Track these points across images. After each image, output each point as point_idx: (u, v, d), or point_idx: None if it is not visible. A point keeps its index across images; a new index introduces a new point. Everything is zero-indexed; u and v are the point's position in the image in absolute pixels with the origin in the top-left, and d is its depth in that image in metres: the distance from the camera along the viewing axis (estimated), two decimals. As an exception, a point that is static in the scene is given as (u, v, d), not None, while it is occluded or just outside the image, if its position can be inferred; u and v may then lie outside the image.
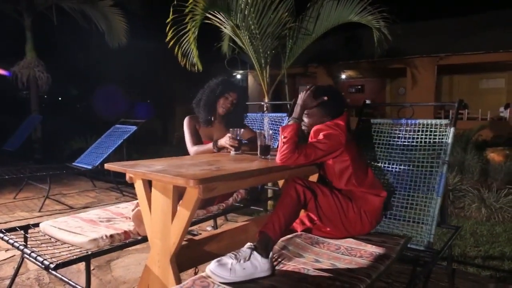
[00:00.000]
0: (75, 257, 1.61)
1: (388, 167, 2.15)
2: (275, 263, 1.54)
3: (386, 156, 2.18)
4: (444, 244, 1.90)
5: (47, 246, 1.78)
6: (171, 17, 3.04)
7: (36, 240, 1.86)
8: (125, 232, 1.84)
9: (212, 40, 4.98)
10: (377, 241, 1.79)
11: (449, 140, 2.01)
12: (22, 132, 6.22)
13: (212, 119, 2.44)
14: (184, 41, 3.26)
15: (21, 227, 1.98)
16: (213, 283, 1.33)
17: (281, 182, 2.13)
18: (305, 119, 1.93)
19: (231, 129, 2.13)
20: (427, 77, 11.20)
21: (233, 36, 4.44)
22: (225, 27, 4.31)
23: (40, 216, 3.51)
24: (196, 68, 3.45)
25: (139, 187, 1.67)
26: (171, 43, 3.17)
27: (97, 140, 4.81)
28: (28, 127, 6.34)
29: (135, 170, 1.54)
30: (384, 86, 18.02)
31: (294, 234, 1.85)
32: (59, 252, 1.68)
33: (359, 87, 19.23)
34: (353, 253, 1.66)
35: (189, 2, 3.03)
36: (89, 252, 1.66)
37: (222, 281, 1.34)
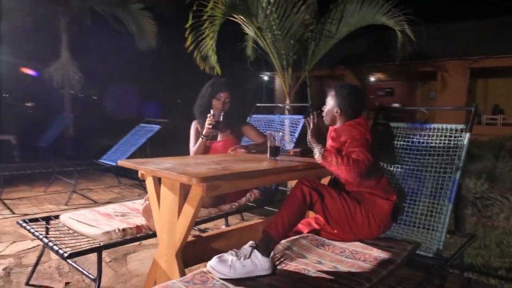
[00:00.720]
0: (87, 247, 1.69)
1: (402, 171, 2.12)
2: (277, 262, 1.56)
3: (400, 160, 2.15)
4: (455, 252, 1.85)
5: (64, 237, 1.88)
6: (190, 22, 3.12)
7: (55, 231, 1.97)
8: (137, 226, 1.92)
9: (237, 39, 5.04)
10: (384, 246, 1.77)
11: (464, 146, 1.95)
12: (54, 130, 6.53)
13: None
14: (203, 46, 3.34)
15: (43, 218, 2.11)
16: (212, 278, 1.37)
17: (293, 183, 2.16)
18: (324, 113, 1.97)
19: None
20: (459, 81, 10.81)
21: (255, 38, 4.49)
22: (248, 27, 4.37)
23: (66, 209, 3.69)
24: (214, 71, 3.53)
25: (149, 183, 1.74)
26: (190, 47, 3.26)
27: (123, 138, 4.98)
28: (60, 125, 6.64)
29: (145, 167, 1.60)
30: (415, 89, 17.54)
31: (300, 235, 1.86)
32: (74, 243, 1.78)
33: (389, 90, 18.82)
34: (357, 256, 1.65)
35: (208, 7, 3.10)
36: (101, 244, 1.74)
37: (222, 277, 1.38)
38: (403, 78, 16.86)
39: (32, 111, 11.50)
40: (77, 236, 1.90)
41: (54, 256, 2.50)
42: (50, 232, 1.98)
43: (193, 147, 2.47)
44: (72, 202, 3.98)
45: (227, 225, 2.88)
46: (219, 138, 2.49)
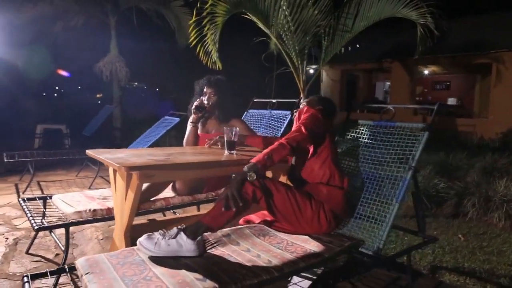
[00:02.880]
0: (56, 223, 1.96)
1: (361, 169, 2.13)
2: (209, 247, 1.69)
3: (361, 158, 2.16)
4: (398, 252, 1.85)
5: (49, 214, 2.18)
6: (194, 19, 3.30)
7: (46, 209, 2.29)
8: (108, 208, 2.15)
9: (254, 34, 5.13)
10: (325, 240, 1.82)
11: (420, 145, 1.92)
12: (97, 120, 7.16)
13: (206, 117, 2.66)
14: (206, 41, 3.51)
15: (40, 198, 2.44)
16: (137, 254, 1.55)
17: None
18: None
19: (225, 128, 2.29)
20: (516, 74, 9.89)
21: (268, 33, 4.56)
22: (261, 24, 4.45)
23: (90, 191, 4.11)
24: (217, 66, 3.68)
25: (110, 171, 1.96)
26: (194, 42, 3.44)
27: (148, 129, 5.35)
28: (103, 116, 7.25)
29: (98, 156, 1.82)
30: (474, 83, 16.26)
31: (247, 225, 1.97)
32: (53, 219, 2.06)
33: (447, 83, 17.64)
34: (289, 248, 1.73)
35: (207, 4, 3.25)
36: (69, 221, 2.00)
37: (147, 253, 1.54)
38: (460, 71, 15.70)
39: (84, 103, 12.61)
40: (59, 213, 2.18)
41: (57, 231, 2.86)
42: (44, 210, 2.31)
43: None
44: (95, 186, 4.42)
45: (198, 211, 3.05)
46: (211, 131, 2.66)
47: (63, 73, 10.87)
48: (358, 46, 14.86)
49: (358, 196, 2.06)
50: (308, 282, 1.94)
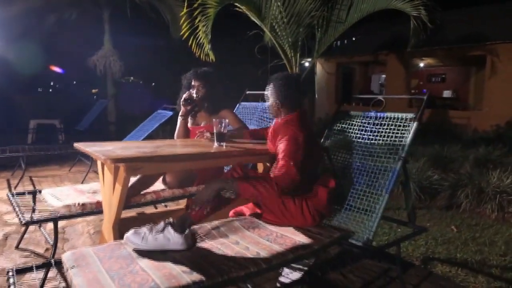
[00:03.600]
0: (44, 217, 1.94)
1: (350, 160, 2.12)
2: (198, 240, 1.69)
3: (351, 149, 2.15)
4: (388, 243, 1.84)
5: (38, 208, 2.16)
6: (185, 10, 3.25)
7: (36, 203, 2.26)
8: (98, 202, 2.13)
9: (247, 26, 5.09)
10: (314, 232, 1.82)
11: (409, 136, 1.91)
12: (91, 115, 7.11)
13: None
14: (199, 34, 3.47)
15: (30, 192, 2.41)
16: (124, 248, 1.53)
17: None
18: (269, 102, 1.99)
19: (214, 120, 2.27)
20: (510, 67, 9.89)
21: (260, 25, 4.52)
22: (252, 16, 4.40)
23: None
24: (210, 58, 3.65)
25: (98, 164, 1.94)
26: (186, 34, 3.40)
27: (142, 123, 5.32)
28: (97, 110, 7.19)
29: (86, 149, 1.80)
30: (469, 75, 16.27)
31: (237, 218, 1.96)
32: (41, 213, 2.04)
33: (443, 76, 17.64)
34: (278, 240, 1.72)
35: (198, -5, 3.20)
36: (58, 215, 1.98)
37: (134, 247, 1.53)
38: (455, 63, 15.71)
39: (78, 97, 12.53)
40: (48, 207, 2.16)
41: (48, 226, 2.84)
42: (34, 204, 2.28)
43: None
44: (88, 181, 4.39)
45: None
46: (201, 124, 2.64)
47: (56, 69, 10.78)
48: (354, 39, 14.80)
49: (347, 187, 2.06)
50: (299, 274, 1.94)
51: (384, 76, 16.88)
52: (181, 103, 2.48)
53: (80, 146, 1.90)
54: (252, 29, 4.80)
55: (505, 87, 9.91)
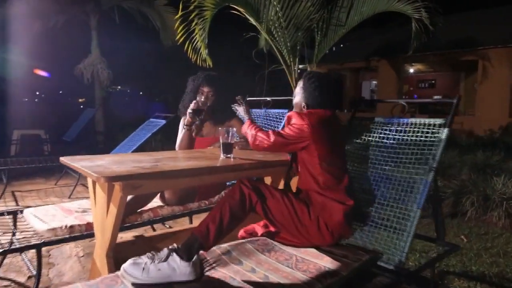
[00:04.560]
0: (25, 244, 1.67)
1: (372, 171, 1.91)
2: (207, 268, 1.45)
3: (371, 159, 1.94)
4: (423, 265, 1.63)
5: (19, 231, 1.89)
6: (180, 13, 3.04)
7: (17, 225, 1.99)
8: (88, 223, 1.87)
9: (243, 31, 4.90)
10: (338, 254, 1.60)
11: (441, 143, 1.72)
12: (78, 124, 6.79)
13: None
14: (195, 37, 3.25)
15: (10, 212, 2.14)
16: (122, 282, 1.29)
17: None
18: (293, 100, 1.85)
19: (220, 129, 2.04)
20: (502, 71, 9.92)
21: (258, 28, 4.33)
22: (250, 18, 4.21)
23: (69, 202, 3.79)
24: (207, 63, 3.44)
25: (89, 182, 1.69)
26: (181, 39, 3.18)
27: (133, 133, 5.05)
28: (84, 119, 6.89)
29: (73, 164, 1.55)
30: (459, 81, 16.40)
31: (249, 239, 1.73)
32: (22, 238, 1.78)
33: (433, 82, 17.75)
34: (300, 266, 1.50)
35: (194, -3, 3.00)
36: (41, 241, 1.72)
37: (134, 281, 1.29)
38: (445, 69, 15.82)
39: (64, 107, 12.16)
40: (31, 231, 1.90)
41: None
42: (14, 227, 2.01)
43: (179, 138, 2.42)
44: (76, 195, 4.10)
45: (191, 223, 2.80)
46: (209, 135, 2.40)
47: (42, 73, 10.41)
48: (342, 45, 14.78)
49: (369, 201, 1.85)
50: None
51: (374, 82, 16.92)
52: (188, 114, 2.22)
53: (66, 161, 1.65)
54: (247, 33, 4.61)
55: (497, 92, 9.93)
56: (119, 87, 16.37)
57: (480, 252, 2.94)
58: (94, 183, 1.63)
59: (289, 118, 1.70)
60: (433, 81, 17.56)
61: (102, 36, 9.14)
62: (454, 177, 4.64)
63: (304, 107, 1.77)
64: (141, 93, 15.46)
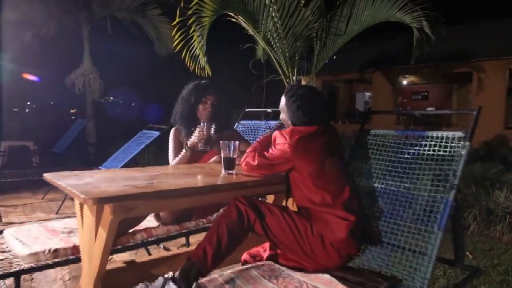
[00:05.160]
0: (2, 272, 1.49)
1: (384, 188, 1.77)
2: (209, 300, 1.28)
3: (383, 175, 1.80)
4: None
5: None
6: (177, 19, 2.91)
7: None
8: (75, 246, 1.69)
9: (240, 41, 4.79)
10: (353, 281, 1.44)
11: (462, 158, 1.58)
12: (69, 135, 6.58)
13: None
14: (193, 45, 3.12)
15: (-13, 234, 1.94)
16: (111, 322, 1.12)
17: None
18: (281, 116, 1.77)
19: (221, 142, 1.88)
20: (496, 83, 9.95)
21: (257, 38, 4.23)
22: (248, 27, 4.11)
23: (55, 218, 3.59)
24: (205, 72, 3.30)
25: (76, 201, 1.52)
26: (179, 46, 3.05)
27: (125, 144, 4.87)
28: (75, 131, 6.68)
29: (58, 182, 1.38)
30: (451, 93, 16.51)
31: (253, 264, 1.57)
32: (1, 262, 1.59)
33: (425, 93, 17.85)
34: (313, 296, 1.34)
35: (193, 3, 2.88)
36: (21, 268, 1.54)
37: (125, 320, 1.12)
38: (438, 81, 15.93)
39: (55, 117, 11.91)
40: (10, 256, 1.71)
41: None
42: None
43: (172, 157, 2.23)
44: (64, 210, 3.89)
45: (188, 245, 2.62)
46: (207, 149, 2.23)
47: (31, 77, 10.18)
48: (334, 58, 14.76)
49: (384, 221, 1.70)
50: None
51: (368, 94, 16.94)
52: (197, 140, 2.03)
53: (51, 178, 1.47)
54: (246, 43, 4.50)
55: (492, 104, 9.93)
56: (111, 98, 16.20)
57: (488, 270, 2.81)
58: (81, 203, 1.46)
59: (274, 139, 1.62)
60: (426, 93, 17.66)
61: (95, 46, 8.98)
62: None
63: (290, 125, 1.69)
64: (133, 104, 15.29)
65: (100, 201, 1.11)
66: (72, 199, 4.01)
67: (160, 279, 1.21)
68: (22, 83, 10.16)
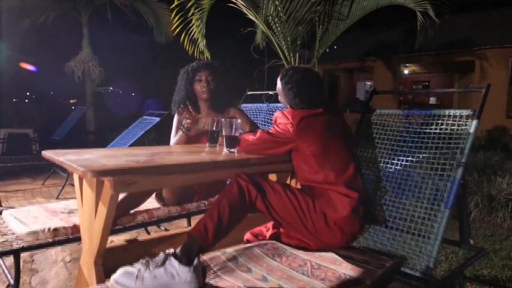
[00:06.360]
0: (1, 250, 1.46)
1: (390, 167, 1.74)
2: (211, 276, 1.26)
3: (389, 155, 1.77)
4: (452, 271, 1.46)
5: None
6: (176, 2, 2.85)
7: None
8: (75, 226, 1.67)
9: (240, 26, 4.71)
10: (358, 259, 1.42)
11: (469, 137, 1.55)
12: (68, 123, 6.54)
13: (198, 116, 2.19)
14: (192, 29, 3.06)
15: (-14, 214, 1.92)
16: (112, 296, 1.09)
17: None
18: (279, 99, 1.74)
19: (223, 120, 1.81)
20: (499, 72, 9.87)
21: (257, 22, 4.15)
22: (247, 11, 4.03)
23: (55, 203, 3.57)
24: (204, 56, 3.24)
25: (75, 178, 1.49)
26: (177, 30, 2.99)
27: (125, 130, 4.83)
28: (74, 118, 6.64)
29: (58, 158, 1.35)
30: (453, 82, 16.39)
31: (256, 243, 1.54)
32: (1, 243, 1.56)
33: (426, 83, 17.72)
34: (317, 273, 1.32)
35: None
36: (20, 246, 1.51)
37: (126, 293, 1.10)
38: (439, 70, 15.80)
39: (54, 105, 11.85)
40: (9, 234, 1.69)
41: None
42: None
43: (172, 139, 2.21)
44: (65, 195, 3.87)
45: (189, 226, 2.60)
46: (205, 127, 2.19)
47: (28, 66, 10.09)
48: (335, 47, 14.65)
49: (389, 201, 1.68)
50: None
51: (369, 83, 16.82)
52: (182, 130, 2.01)
53: (50, 154, 1.44)
54: (244, 28, 4.43)
55: (494, 93, 9.87)
56: (111, 88, 16.08)
57: (490, 254, 2.80)
58: (80, 180, 1.42)
59: (275, 119, 1.59)
60: (427, 83, 17.54)
61: (94, 34, 8.88)
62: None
63: (291, 108, 1.66)
64: (133, 94, 15.18)
65: (99, 174, 1.08)
66: (72, 185, 4.00)
67: (161, 255, 1.19)
68: (21, 72, 10.07)
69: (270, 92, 2.76)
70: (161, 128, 4.68)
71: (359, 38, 13.25)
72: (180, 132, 2.04)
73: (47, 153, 1.46)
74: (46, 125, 7.69)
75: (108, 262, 1.37)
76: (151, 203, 1.98)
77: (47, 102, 12.43)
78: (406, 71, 16.56)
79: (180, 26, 3.11)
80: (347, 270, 1.33)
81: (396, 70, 13.00)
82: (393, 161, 1.73)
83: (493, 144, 7.72)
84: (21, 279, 2.01)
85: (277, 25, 4.05)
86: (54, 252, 2.35)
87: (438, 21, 4.09)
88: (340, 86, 17.49)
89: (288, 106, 1.67)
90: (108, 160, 1.28)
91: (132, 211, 1.83)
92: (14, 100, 11.44)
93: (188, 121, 1.98)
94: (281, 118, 1.55)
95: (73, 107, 12.47)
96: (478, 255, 1.57)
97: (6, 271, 1.63)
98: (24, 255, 1.71)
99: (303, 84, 1.61)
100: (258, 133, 1.55)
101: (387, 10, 4.35)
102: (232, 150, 1.63)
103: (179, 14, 3.03)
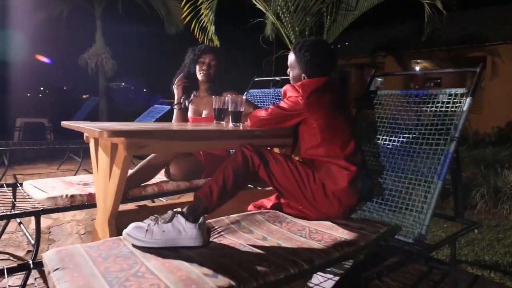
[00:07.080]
0: (24, 211, 1.59)
1: (388, 144, 1.82)
2: (215, 235, 1.36)
3: (387, 132, 1.85)
4: (444, 239, 1.54)
5: (19, 204, 1.81)
6: (186, -10, 2.94)
7: (17, 198, 1.92)
8: (90, 194, 1.79)
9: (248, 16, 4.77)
10: (354, 226, 1.51)
11: (463, 113, 1.62)
12: (82, 112, 6.73)
13: (195, 94, 2.30)
14: (201, 18, 3.16)
15: (9, 185, 2.06)
16: (124, 245, 1.20)
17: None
18: (290, 72, 1.79)
19: (229, 96, 1.87)
20: (511, 67, 9.76)
21: (266, 12, 4.23)
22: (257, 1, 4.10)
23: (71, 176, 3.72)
24: (214, 43, 3.34)
25: (91, 145, 1.60)
26: (188, 18, 3.09)
27: (137, 118, 4.98)
28: (88, 107, 6.83)
29: (76, 125, 1.46)
30: (465, 79, 16.23)
31: (259, 211, 1.64)
32: (22, 208, 1.70)
33: (438, 80, 17.56)
34: (314, 236, 1.41)
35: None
36: (40, 208, 1.64)
37: (137, 244, 1.20)
38: (451, 66, 15.61)
39: (68, 96, 12.10)
40: (31, 201, 1.82)
41: (32, 225, 2.48)
42: (14, 199, 1.94)
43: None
44: (78, 179, 4.01)
45: None
46: (203, 114, 2.30)
47: (43, 59, 10.33)
48: (346, 43, 14.61)
49: (385, 174, 1.76)
50: (331, 282, 1.61)
51: (380, 79, 16.77)
52: (176, 87, 2.13)
53: (68, 123, 1.56)
54: (255, 18, 4.50)
55: (506, 88, 9.77)
56: (123, 83, 16.30)
57: (493, 242, 2.86)
58: (96, 145, 1.54)
59: (285, 92, 1.66)
60: (439, 80, 17.37)
61: (107, 26, 9.05)
62: (463, 171, 4.56)
63: (304, 78, 1.71)
64: (144, 90, 15.39)
65: (114, 134, 1.19)
66: (85, 170, 4.15)
67: (170, 212, 1.29)
68: (35, 64, 10.31)
69: (277, 78, 2.85)
70: (171, 117, 4.80)
71: (370, 33, 13.22)
72: (175, 112, 2.15)
73: (66, 123, 1.58)
74: (60, 114, 7.90)
75: (120, 224, 1.48)
76: (160, 178, 2.09)
77: (62, 93, 12.69)
78: (417, 68, 16.45)
79: (191, 15, 3.21)
80: (343, 234, 1.42)
81: (406, 66, 12.94)
82: (391, 138, 1.81)
83: (503, 140, 7.68)
84: (40, 247, 2.15)
85: (286, 15, 4.11)
86: (69, 226, 2.49)
87: (445, 12, 4.10)
88: (350, 82, 17.44)
89: (303, 77, 1.70)
90: (123, 125, 1.39)
91: (143, 184, 1.94)
92: (28, 94, 11.74)
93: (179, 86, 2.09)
94: (291, 91, 1.60)
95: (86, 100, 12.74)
96: (471, 227, 1.64)
97: (27, 234, 1.76)
98: (42, 228, 1.84)
99: (317, 48, 1.67)
100: (270, 109, 1.61)
101: (398, 5, 4.36)
102: (237, 124, 1.72)
103: (189, 3, 3.13)
